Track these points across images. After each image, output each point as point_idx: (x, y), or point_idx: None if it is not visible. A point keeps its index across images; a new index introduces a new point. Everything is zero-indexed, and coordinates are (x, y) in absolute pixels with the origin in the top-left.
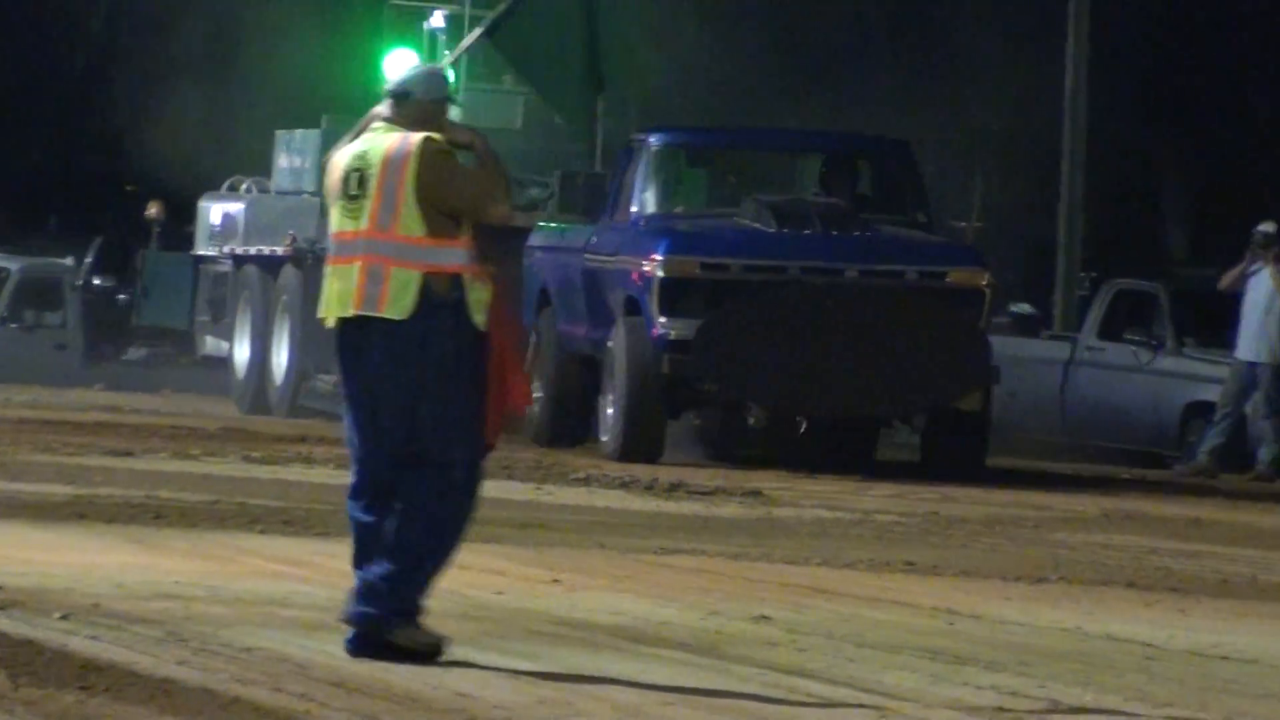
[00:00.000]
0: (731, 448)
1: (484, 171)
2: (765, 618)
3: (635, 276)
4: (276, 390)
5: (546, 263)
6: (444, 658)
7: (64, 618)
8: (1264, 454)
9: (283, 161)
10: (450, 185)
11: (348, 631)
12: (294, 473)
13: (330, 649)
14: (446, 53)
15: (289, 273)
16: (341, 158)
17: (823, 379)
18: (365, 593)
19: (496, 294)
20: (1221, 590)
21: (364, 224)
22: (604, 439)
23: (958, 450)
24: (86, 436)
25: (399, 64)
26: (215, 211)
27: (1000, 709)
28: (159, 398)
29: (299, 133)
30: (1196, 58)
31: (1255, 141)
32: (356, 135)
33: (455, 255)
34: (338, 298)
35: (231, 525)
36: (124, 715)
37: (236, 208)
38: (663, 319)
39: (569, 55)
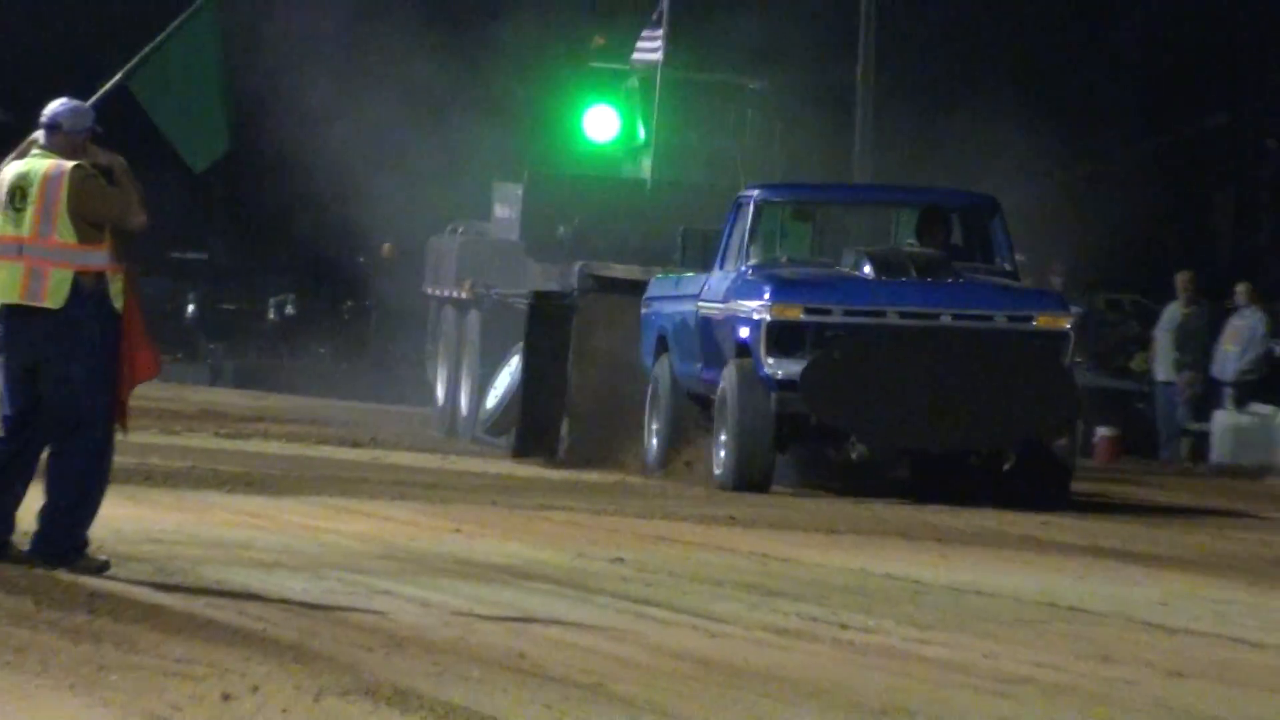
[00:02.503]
0: (832, 479)
1: (123, 190)
2: (620, 559)
3: (744, 322)
4: (462, 421)
5: (664, 311)
6: (325, 591)
7: None
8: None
9: (498, 210)
10: (97, 202)
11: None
12: (254, 445)
13: (281, 581)
14: (641, 108)
15: (472, 315)
16: (7, 175)
17: (920, 416)
18: (43, 539)
19: (128, 285)
20: (974, 539)
21: (26, 231)
22: (717, 471)
23: (1043, 483)
24: None
25: (598, 119)
26: (436, 253)
27: (802, 631)
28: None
29: (509, 184)
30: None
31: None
32: (20, 156)
33: (99, 257)
34: (3, 288)
35: (205, 486)
36: (123, 632)
37: (447, 251)
38: (770, 360)
39: (200, 108)
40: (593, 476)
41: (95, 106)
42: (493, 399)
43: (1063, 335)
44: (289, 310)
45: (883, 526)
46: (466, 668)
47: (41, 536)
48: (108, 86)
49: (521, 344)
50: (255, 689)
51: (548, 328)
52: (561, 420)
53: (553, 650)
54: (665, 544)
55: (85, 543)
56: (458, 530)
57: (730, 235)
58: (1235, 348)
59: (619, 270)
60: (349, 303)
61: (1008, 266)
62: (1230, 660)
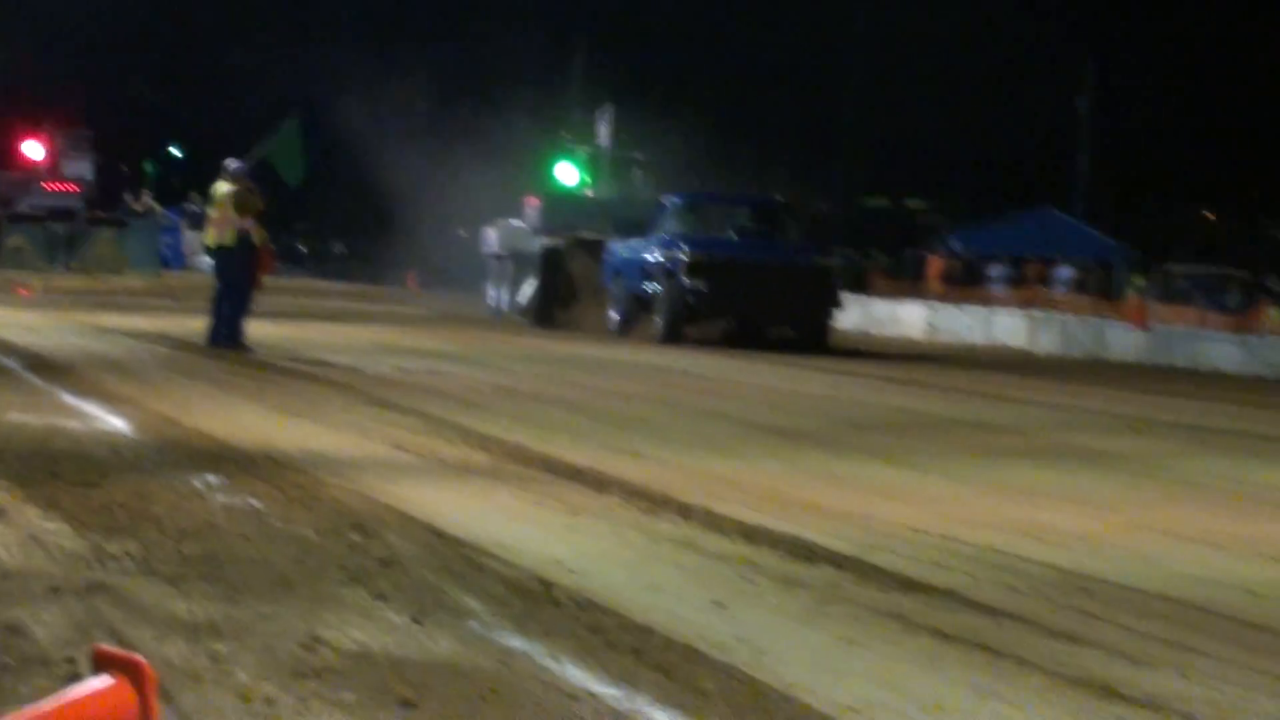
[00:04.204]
0: (706, 338)
1: (254, 197)
2: (528, 358)
3: (673, 261)
4: (502, 311)
5: (616, 257)
6: (355, 362)
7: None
8: None
9: (527, 210)
10: (244, 201)
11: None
12: (332, 302)
13: (341, 357)
14: (590, 167)
15: (507, 262)
16: (213, 191)
17: (757, 306)
18: (225, 333)
19: (260, 235)
20: (709, 350)
21: (215, 213)
22: (655, 333)
23: (815, 338)
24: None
25: (563, 171)
26: (488, 233)
27: (614, 376)
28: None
29: (533, 197)
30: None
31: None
32: (217, 181)
33: (247, 223)
34: (213, 238)
35: (309, 319)
36: (273, 378)
37: (495, 232)
38: (686, 279)
39: (293, 159)
40: (583, 335)
41: (245, 162)
42: (521, 299)
43: (829, 269)
44: (340, 249)
45: (676, 350)
46: (424, 397)
47: (219, 335)
48: (252, 153)
49: (536, 273)
50: (329, 400)
51: (552, 264)
52: (557, 309)
53: (478, 392)
54: (535, 349)
55: (241, 339)
56: (431, 338)
57: (658, 219)
58: None
59: (588, 235)
60: (379, 246)
61: (798, 234)
62: (775, 400)
